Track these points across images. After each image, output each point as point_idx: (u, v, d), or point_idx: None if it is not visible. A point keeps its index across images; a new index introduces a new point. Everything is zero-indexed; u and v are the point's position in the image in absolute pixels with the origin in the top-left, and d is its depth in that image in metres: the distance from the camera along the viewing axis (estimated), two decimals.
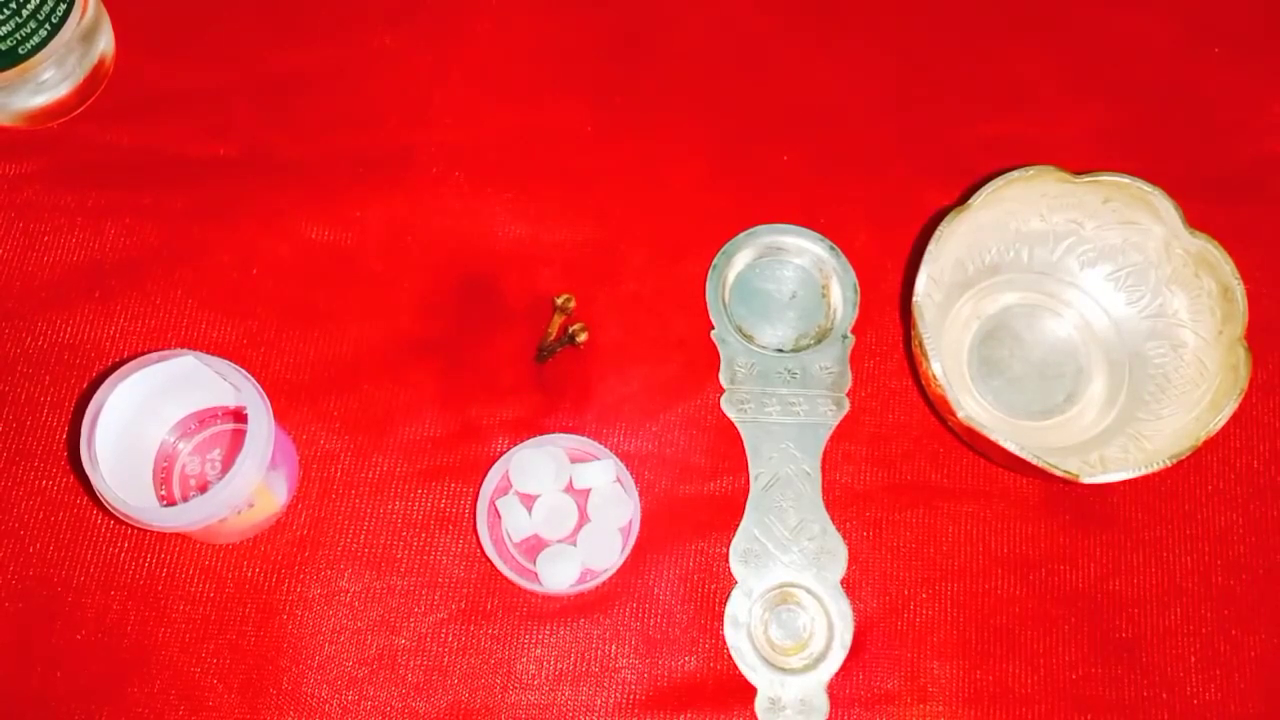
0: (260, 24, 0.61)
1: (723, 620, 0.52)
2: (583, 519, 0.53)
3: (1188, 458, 0.50)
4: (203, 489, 0.52)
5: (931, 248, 0.52)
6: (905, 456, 0.55)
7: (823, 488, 0.54)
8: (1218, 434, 0.50)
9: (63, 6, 0.54)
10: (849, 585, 0.53)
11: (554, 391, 0.55)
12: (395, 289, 0.56)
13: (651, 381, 0.56)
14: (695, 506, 0.54)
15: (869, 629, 0.52)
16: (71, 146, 0.58)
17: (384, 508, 0.53)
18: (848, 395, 0.55)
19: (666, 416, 0.55)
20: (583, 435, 0.54)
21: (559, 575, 0.51)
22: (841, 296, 0.57)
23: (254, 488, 0.47)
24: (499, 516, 0.53)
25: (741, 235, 0.58)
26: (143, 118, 0.59)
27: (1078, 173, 0.53)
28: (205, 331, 0.55)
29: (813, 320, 0.57)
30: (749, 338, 0.56)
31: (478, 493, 0.53)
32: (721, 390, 0.55)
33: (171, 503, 0.52)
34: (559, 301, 0.56)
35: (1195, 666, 0.52)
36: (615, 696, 0.51)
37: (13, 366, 0.54)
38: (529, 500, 0.53)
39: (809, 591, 0.52)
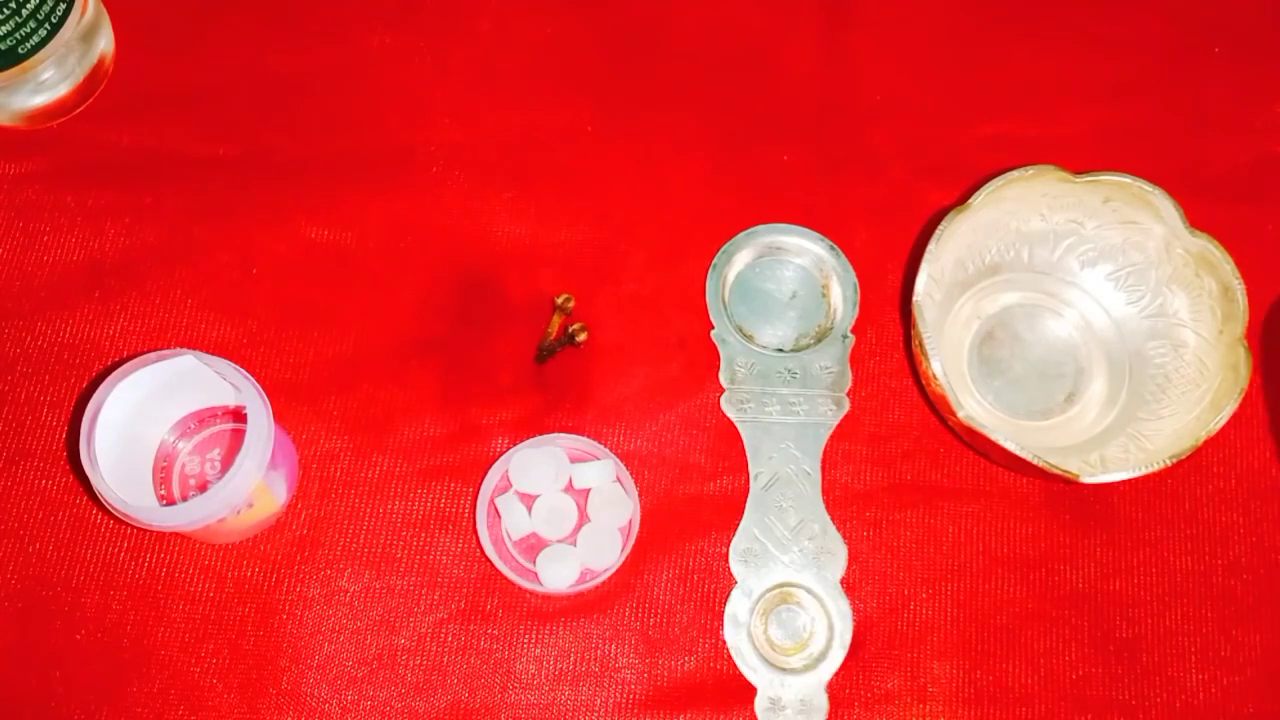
0: (260, 24, 0.61)
1: (723, 620, 0.52)
2: (582, 519, 0.53)
3: (1188, 458, 0.50)
4: (202, 489, 0.52)
5: (932, 247, 0.52)
6: (905, 456, 0.55)
7: (823, 487, 0.54)
8: (1218, 434, 0.50)
9: (62, 6, 0.54)
10: (849, 585, 0.53)
11: (554, 391, 0.55)
12: (395, 289, 0.56)
13: (651, 381, 0.55)
14: (695, 506, 0.54)
15: (869, 629, 0.52)
16: (71, 146, 0.58)
17: (384, 508, 0.53)
18: (848, 395, 0.55)
19: (666, 416, 0.55)
20: (583, 435, 0.54)
21: (559, 575, 0.51)
22: (841, 296, 0.57)
23: (253, 487, 0.47)
24: (499, 516, 0.53)
25: (741, 235, 0.58)
26: (143, 118, 0.59)
27: (1078, 172, 0.53)
28: (205, 331, 0.55)
29: (813, 320, 0.57)
30: (749, 337, 0.56)
31: (477, 492, 0.53)
32: (721, 390, 0.55)
33: (171, 502, 0.52)
34: (559, 301, 0.56)
35: (1195, 666, 0.52)
36: (615, 696, 0.51)
37: (12, 366, 0.54)
38: (529, 500, 0.53)
39: (809, 591, 0.52)
